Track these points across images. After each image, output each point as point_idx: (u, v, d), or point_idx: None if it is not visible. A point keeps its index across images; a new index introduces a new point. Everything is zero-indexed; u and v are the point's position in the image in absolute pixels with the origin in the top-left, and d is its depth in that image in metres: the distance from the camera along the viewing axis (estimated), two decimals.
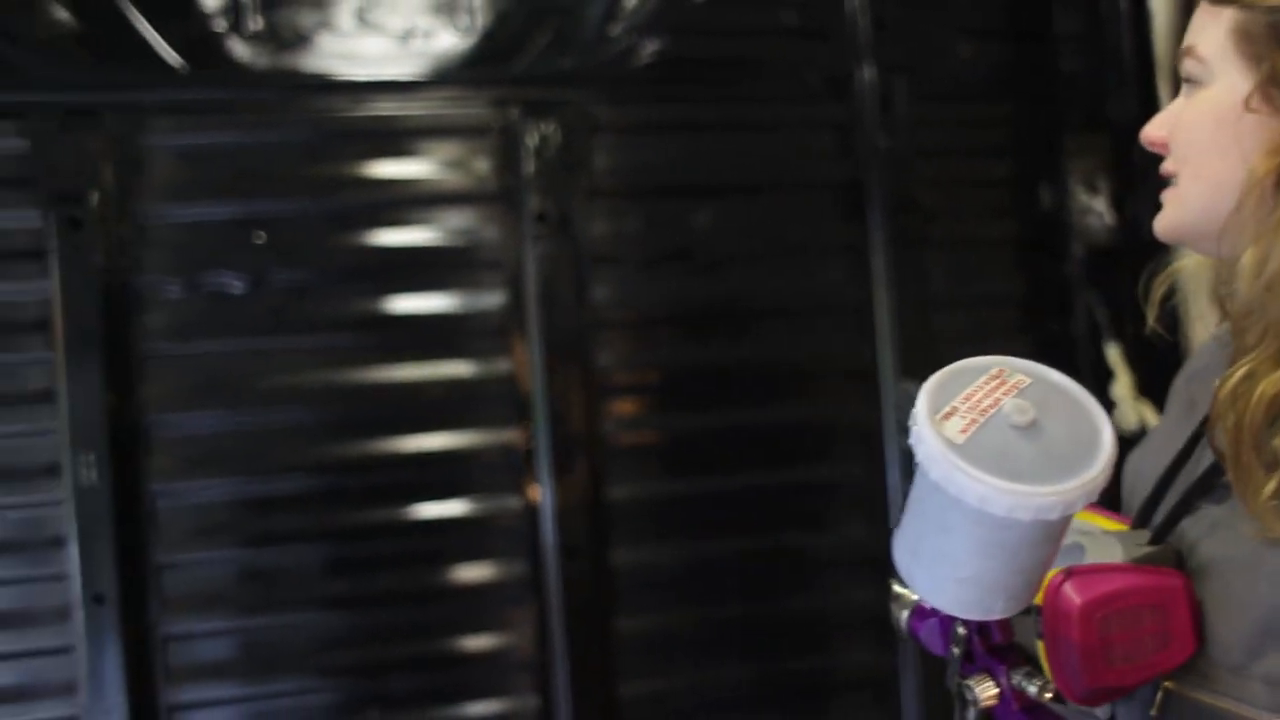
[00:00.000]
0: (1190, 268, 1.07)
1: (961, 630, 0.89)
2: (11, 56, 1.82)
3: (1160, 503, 0.98)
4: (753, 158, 2.10)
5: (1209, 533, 0.91)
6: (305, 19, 1.96)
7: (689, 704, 2.05)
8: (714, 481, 2.03)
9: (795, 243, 2.11)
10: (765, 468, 2.01)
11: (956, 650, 0.90)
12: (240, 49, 1.93)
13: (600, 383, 2.02)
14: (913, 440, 0.78)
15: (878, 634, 1.97)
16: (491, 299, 2.00)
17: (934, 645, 0.94)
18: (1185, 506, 0.94)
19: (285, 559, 1.92)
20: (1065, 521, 0.80)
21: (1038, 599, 0.89)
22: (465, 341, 2.00)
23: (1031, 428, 0.77)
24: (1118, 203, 2.11)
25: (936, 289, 2.08)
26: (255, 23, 1.94)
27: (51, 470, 1.82)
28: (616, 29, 2.05)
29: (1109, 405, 2.07)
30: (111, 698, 1.80)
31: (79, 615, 1.81)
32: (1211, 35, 0.92)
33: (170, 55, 1.89)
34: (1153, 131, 0.96)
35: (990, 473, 0.75)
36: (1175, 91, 0.99)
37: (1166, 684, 0.91)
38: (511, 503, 1.99)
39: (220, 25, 1.93)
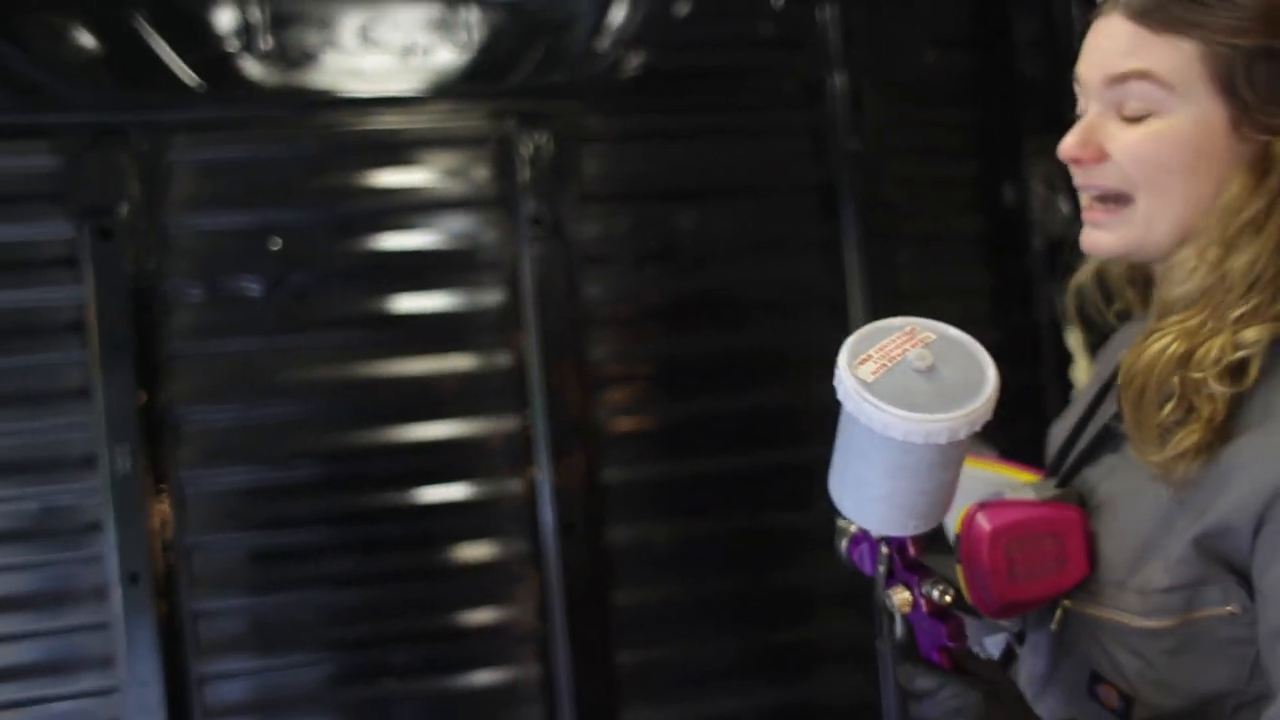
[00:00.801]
0: (1085, 277, 1.16)
1: (884, 550, 0.98)
2: (44, 81, 1.90)
3: (1068, 456, 1.09)
4: (732, 161, 2.14)
5: (1107, 476, 1.03)
6: (312, 38, 2.02)
7: (683, 672, 2.09)
8: (701, 463, 2.08)
9: (773, 240, 2.16)
10: (749, 450, 2.07)
11: (882, 568, 0.98)
12: (253, 68, 1.99)
13: (593, 373, 2.08)
14: (835, 383, 0.89)
15: (859, 606, 2.03)
16: (491, 297, 2.06)
17: (866, 567, 1.03)
18: (1088, 457, 1.06)
19: (302, 540, 1.98)
20: (958, 448, 0.90)
21: (957, 527, 1.02)
22: (467, 337, 2.05)
23: (930, 371, 0.89)
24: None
25: (906, 282, 2.12)
26: (266, 43, 2.01)
27: (88, 461, 1.89)
28: (603, 44, 2.11)
29: (1068, 386, 2.17)
30: (147, 669, 1.88)
31: (116, 593, 1.88)
32: (1173, 63, 0.94)
33: (189, 76, 1.96)
34: (1088, 150, 0.98)
35: (892, 405, 0.86)
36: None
37: (1065, 603, 1.02)
38: (512, 486, 2.04)
39: (233, 47, 1.99)
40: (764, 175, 2.16)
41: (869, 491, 0.93)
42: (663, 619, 2.10)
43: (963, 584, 1.03)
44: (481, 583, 2.05)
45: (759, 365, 2.13)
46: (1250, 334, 0.90)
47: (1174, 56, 0.93)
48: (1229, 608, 0.91)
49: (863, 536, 1.04)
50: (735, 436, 2.06)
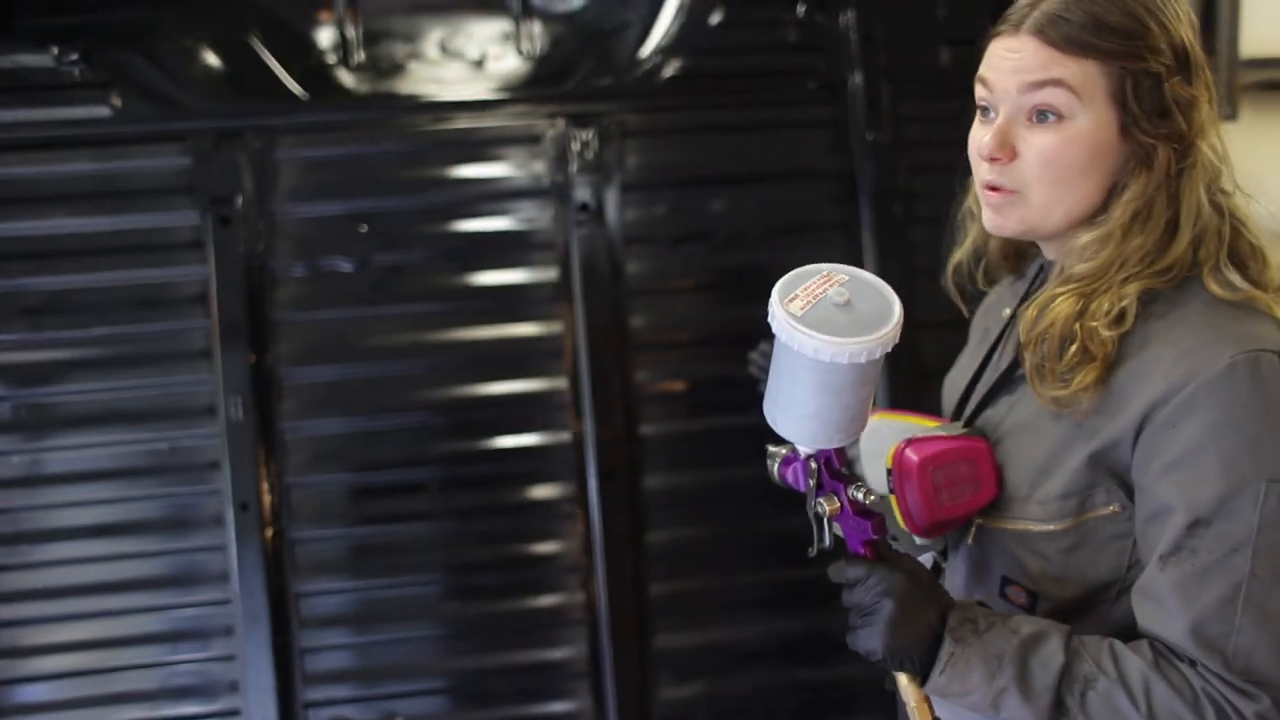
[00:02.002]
0: (963, 255, 1.32)
1: (814, 465, 1.08)
2: (176, 93, 2.06)
3: (968, 402, 1.25)
4: (760, 153, 2.20)
5: (1007, 413, 1.18)
6: (399, 51, 2.14)
7: (707, 603, 2.18)
8: (727, 420, 2.14)
9: (797, 223, 2.21)
10: None
11: (812, 481, 1.08)
12: (348, 78, 2.12)
13: (634, 341, 2.16)
14: (770, 319, 0.99)
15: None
16: (546, 274, 2.16)
17: (798, 483, 1.12)
18: (988, 401, 1.22)
19: (386, 480, 2.12)
20: (874, 366, 1.00)
21: (888, 464, 1.15)
22: (526, 308, 2.16)
23: (847, 305, 1.00)
24: None
25: (918, 262, 2.14)
26: (359, 56, 2.12)
27: (209, 410, 2.06)
28: (646, 51, 2.18)
29: None
30: (255, 584, 2.05)
31: (230, 520, 2.05)
32: (1081, 77, 1.05)
33: (294, 86, 2.10)
34: (1005, 151, 1.08)
35: (818, 331, 0.97)
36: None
37: (978, 521, 1.18)
38: (563, 436, 2.15)
39: (332, 60, 2.12)
40: (788, 165, 2.21)
41: (800, 411, 1.03)
42: (691, 555, 2.18)
43: (896, 511, 1.15)
44: (536, 519, 2.16)
45: None
46: (1129, 288, 1.07)
47: (1081, 72, 1.05)
48: (1111, 507, 1.08)
49: (793, 458, 1.12)
50: (759, 396, 2.13)
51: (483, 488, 2.15)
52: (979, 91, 1.13)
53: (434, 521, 2.14)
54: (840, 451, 1.09)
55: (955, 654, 1.04)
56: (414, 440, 2.13)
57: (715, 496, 2.16)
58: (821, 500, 1.08)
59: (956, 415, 1.27)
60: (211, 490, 2.08)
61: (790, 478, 1.14)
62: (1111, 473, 1.08)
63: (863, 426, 1.08)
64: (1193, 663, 1.01)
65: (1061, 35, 1.05)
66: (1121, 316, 1.06)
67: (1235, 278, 1.10)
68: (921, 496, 1.12)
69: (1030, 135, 1.08)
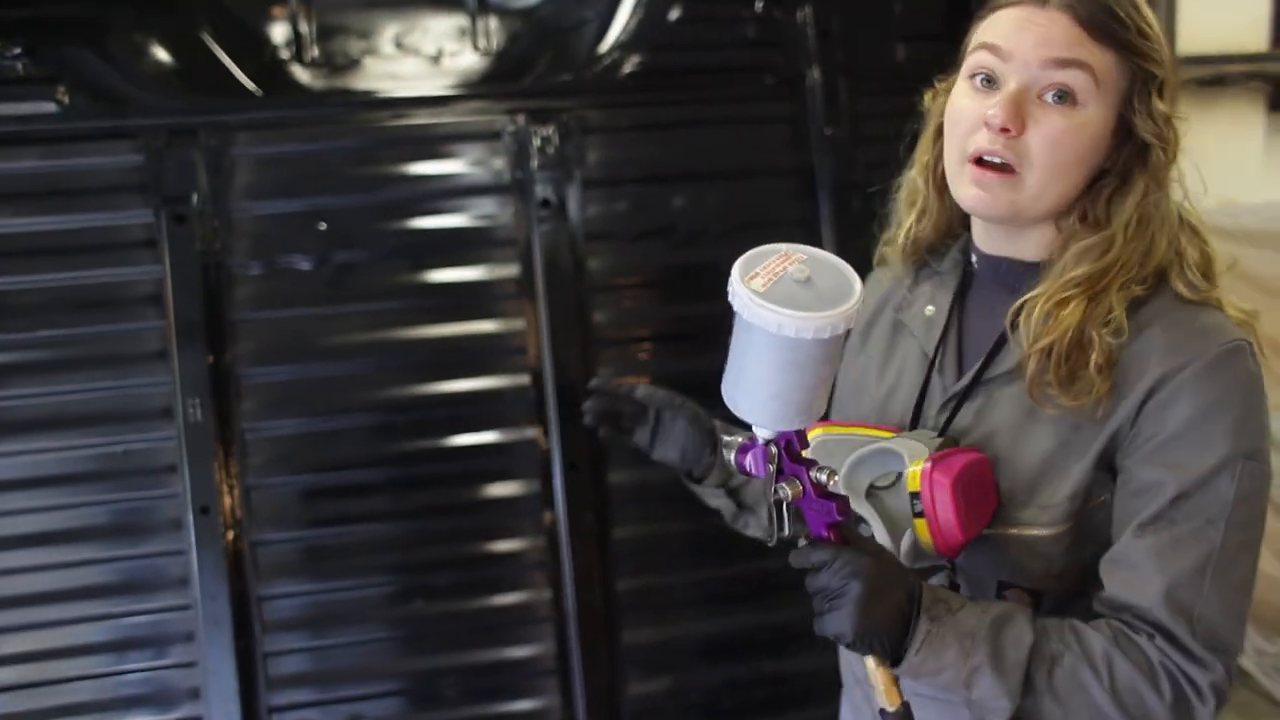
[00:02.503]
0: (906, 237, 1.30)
1: (774, 450, 1.05)
2: (125, 89, 2.03)
3: (922, 412, 1.21)
4: (720, 149, 2.21)
5: (976, 421, 1.17)
6: (354, 46, 2.12)
7: (673, 597, 2.19)
8: None
9: (756, 218, 2.22)
10: None
11: (772, 467, 1.05)
12: (302, 74, 2.10)
13: (596, 337, 2.16)
14: (731, 297, 0.97)
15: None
16: (507, 270, 2.15)
17: (757, 469, 1.07)
18: (955, 411, 1.19)
19: (346, 480, 2.09)
20: (838, 342, 0.98)
21: (913, 486, 1.11)
22: (487, 305, 2.15)
23: (807, 282, 0.98)
24: None
25: (875, 255, 2.13)
26: (313, 52, 2.10)
27: (166, 412, 2.02)
28: (605, 47, 2.18)
29: None
30: (217, 588, 2.02)
31: (190, 523, 2.02)
32: (1105, 66, 1.05)
33: (248, 82, 2.07)
34: (1017, 124, 1.05)
35: (782, 307, 0.95)
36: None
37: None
38: (527, 433, 2.14)
39: (285, 56, 2.09)
40: (748, 160, 2.22)
41: (762, 391, 1.01)
42: (656, 551, 2.18)
43: (925, 535, 1.11)
44: (499, 517, 2.14)
45: None
46: (1118, 298, 1.09)
47: (1105, 61, 1.06)
48: (1103, 497, 1.10)
49: (750, 444, 1.08)
50: (719, 393, 2.15)
51: (447, 486, 2.14)
52: (983, 58, 1.09)
53: (399, 521, 2.12)
54: (800, 434, 1.07)
55: (931, 632, 1.03)
56: (377, 439, 2.12)
57: (680, 492, 2.02)
58: (783, 485, 1.05)
59: (913, 425, 1.23)
60: (169, 494, 2.05)
61: (748, 464, 1.09)
62: (1106, 464, 1.11)
63: (822, 409, 1.06)
64: (1150, 636, 1.05)
65: (1091, 18, 1.04)
66: (1119, 328, 1.08)
67: (1196, 278, 1.12)
68: (956, 515, 1.09)
69: (1040, 114, 1.06)
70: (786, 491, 1.05)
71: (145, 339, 2.04)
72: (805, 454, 1.07)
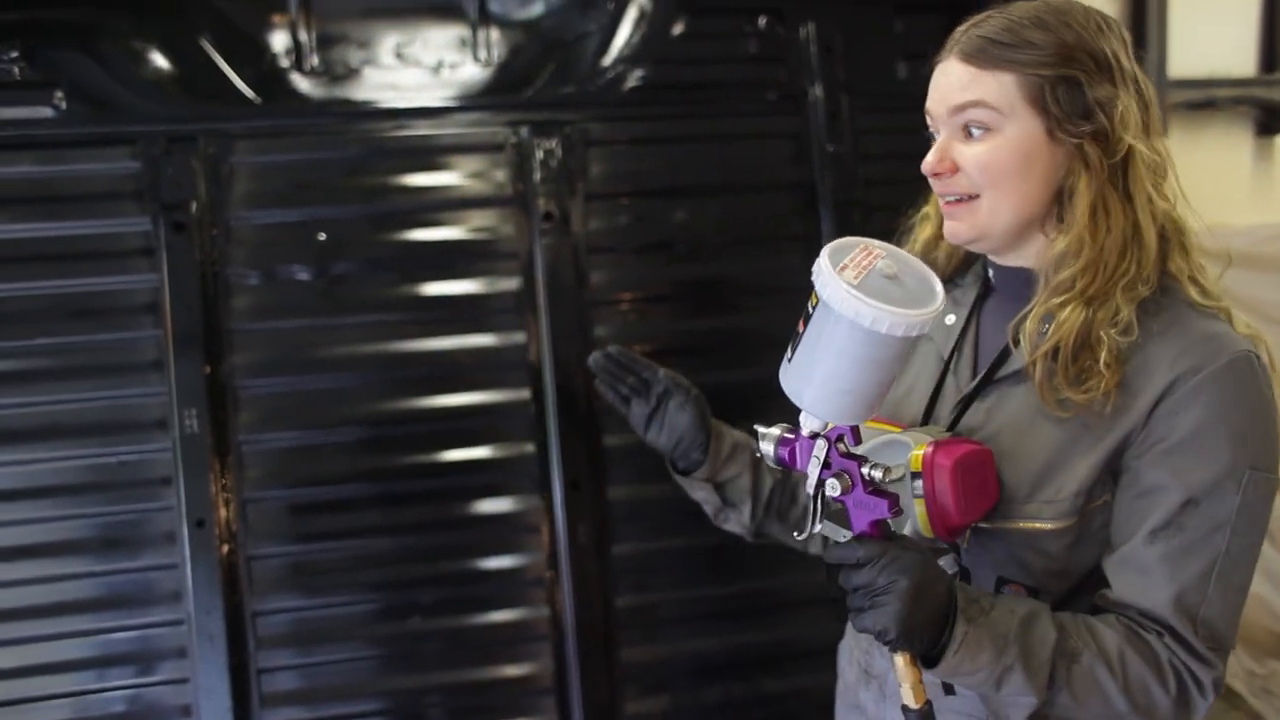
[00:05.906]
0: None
1: (822, 443, 1.07)
2: (127, 97, 2.01)
3: (934, 410, 1.26)
4: (722, 163, 2.21)
5: (985, 419, 1.21)
6: (354, 56, 2.11)
7: (672, 614, 2.18)
8: None
9: (758, 233, 2.23)
10: (737, 420, 2.14)
11: (818, 459, 1.08)
12: (302, 83, 2.09)
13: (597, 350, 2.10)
14: (821, 287, 0.98)
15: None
16: (508, 283, 2.14)
17: (801, 462, 1.10)
18: (964, 408, 1.24)
19: (343, 494, 2.07)
20: (914, 343, 1.00)
21: (915, 467, 1.13)
22: (487, 318, 2.13)
23: (895, 278, 1.01)
24: None
25: None
26: (313, 61, 2.10)
27: (162, 423, 2.00)
28: (608, 60, 2.18)
29: None
30: (211, 603, 2.00)
31: (184, 537, 2.00)
32: (999, 92, 1.13)
33: (247, 90, 2.07)
34: (944, 165, 1.16)
35: (878, 301, 0.96)
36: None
37: (980, 524, 1.18)
38: (527, 448, 2.13)
39: (285, 64, 2.08)
40: (750, 175, 2.23)
41: (835, 385, 1.01)
42: (655, 568, 2.17)
43: (921, 516, 1.14)
44: (498, 532, 2.13)
45: (745, 344, 2.19)
46: (1126, 300, 1.13)
47: (999, 86, 1.13)
48: (1105, 497, 1.15)
49: (793, 438, 1.11)
50: (723, 407, 2.05)
51: (446, 501, 2.13)
52: (927, 119, 1.21)
53: (397, 536, 2.10)
54: (855, 430, 1.09)
55: (969, 634, 1.07)
56: (376, 453, 2.10)
57: (681, 508, 2.03)
58: (832, 479, 1.06)
59: (925, 422, 1.28)
60: (164, 506, 2.02)
61: (789, 458, 1.12)
62: (1114, 466, 1.14)
63: (879, 406, 1.07)
64: (1159, 634, 1.11)
65: (979, 53, 1.13)
66: (1128, 328, 1.12)
67: (1208, 283, 1.18)
68: (953, 499, 1.13)
69: (965, 148, 1.16)
70: (837, 486, 1.06)
71: (141, 348, 2.02)
72: (858, 450, 1.09)
